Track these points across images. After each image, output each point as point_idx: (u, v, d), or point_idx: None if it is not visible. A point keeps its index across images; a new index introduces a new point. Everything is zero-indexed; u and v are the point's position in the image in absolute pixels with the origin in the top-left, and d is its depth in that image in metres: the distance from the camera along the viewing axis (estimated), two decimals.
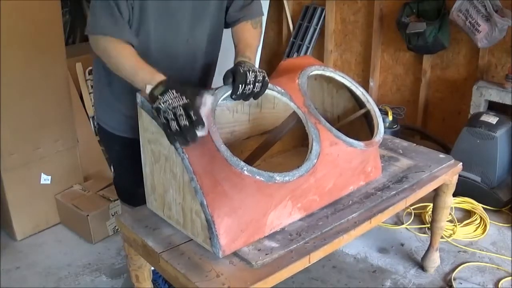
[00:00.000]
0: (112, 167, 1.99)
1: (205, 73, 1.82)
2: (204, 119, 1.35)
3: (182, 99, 1.33)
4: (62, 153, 2.81)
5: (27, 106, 2.58)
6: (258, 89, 1.49)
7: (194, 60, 1.75)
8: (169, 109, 1.32)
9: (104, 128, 1.86)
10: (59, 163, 2.80)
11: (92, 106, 3.38)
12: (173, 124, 1.31)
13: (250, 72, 1.47)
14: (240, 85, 1.45)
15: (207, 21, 1.70)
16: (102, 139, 1.89)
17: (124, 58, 1.51)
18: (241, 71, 1.46)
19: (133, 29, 1.60)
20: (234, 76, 1.46)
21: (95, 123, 1.91)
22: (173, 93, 1.34)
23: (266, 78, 1.52)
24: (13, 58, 2.47)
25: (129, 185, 1.91)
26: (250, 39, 1.72)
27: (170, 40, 1.67)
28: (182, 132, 1.30)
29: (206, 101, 1.41)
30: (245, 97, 1.49)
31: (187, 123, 1.30)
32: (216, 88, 1.51)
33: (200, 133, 1.33)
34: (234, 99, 1.50)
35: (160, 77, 1.42)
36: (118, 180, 2.07)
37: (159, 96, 1.36)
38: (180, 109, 1.31)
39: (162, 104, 1.34)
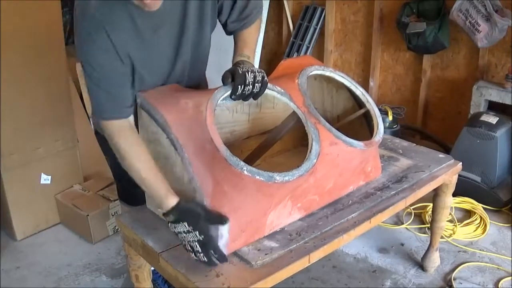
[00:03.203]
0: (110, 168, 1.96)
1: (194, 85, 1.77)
2: (224, 250, 1.37)
3: (196, 235, 1.33)
4: (62, 153, 2.81)
5: (27, 106, 2.58)
6: (258, 90, 1.49)
7: (182, 79, 1.68)
8: (186, 242, 1.36)
9: (101, 134, 1.81)
10: (59, 163, 2.80)
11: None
12: (192, 256, 1.37)
13: (249, 72, 1.46)
14: (239, 86, 1.44)
15: (186, 59, 1.61)
16: (99, 143, 1.85)
17: (138, 168, 1.44)
18: (240, 72, 1.45)
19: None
20: (233, 77, 1.46)
21: (93, 128, 1.87)
22: (185, 226, 1.34)
23: (266, 78, 1.51)
24: (13, 58, 2.47)
25: (128, 186, 1.90)
26: (248, 36, 1.67)
27: (151, 83, 1.57)
28: (208, 262, 1.35)
29: (223, 233, 1.38)
30: (244, 97, 1.49)
31: (206, 259, 1.34)
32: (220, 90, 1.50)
33: (222, 264, 1.37)
34: (234, 100, 1.49)
35: (171, 202, 1.38)
36: (117, 180, 2.06)
37: (171, 224, 1.38)
38: (196, 246, 1.34)
39: (177, 234, 1.38)
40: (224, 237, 1.38)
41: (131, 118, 1.49)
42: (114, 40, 1.38)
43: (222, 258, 1.35)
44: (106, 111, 1.45)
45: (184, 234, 1.35)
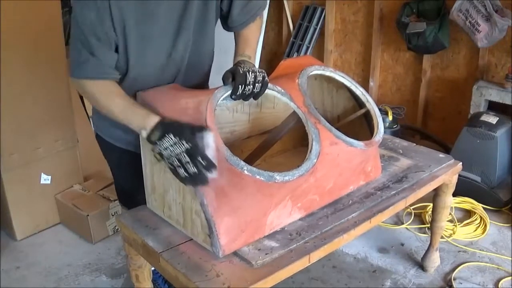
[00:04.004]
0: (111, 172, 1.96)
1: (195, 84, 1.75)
2: (213, 160, 1.31)
3: (183, 144, 1.29)
4: (62, 153, 2.81)
5: (27, 106, 2.58)
6: (258, 90, 1.49)
7: (178, 74, 1.66)
8: (173, 156, 1.30)
9: (101, 137, 1.81)
10: (59, 163, 2.80)
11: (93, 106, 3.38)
12: (181, 171, 1.29)
13: (250, 72, 1.46)
14: (240, 86, 1.44)
15: (187, 35, 1.58)
16: (100, 146, 1.84)
17: (115, 106, 1.45)
18: (241, 71, 1.45)
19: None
20: (234, 77, 1.46)
21: (94, 131, 1.88)
22: (171, 138, 1.30)
23: (266, 78, 1.51)
24: (13, 58, 2.47)
25: (128, 191, 1.90)
26: (250, 35, 1.67)
27: (151, 59, 1.57)
28: (193, 178, 1.29)
29: (209, 142, 1.33)
30: (245, 97, 1.49)
31: (196, 170, 1.28)
32: (218, 90, 1.51)
33: (211, 175, 1.30)
34: (234, 99, 1.49)
35: (152, 120, 1.37)
36: (117, 185, 2.06)
37: (157, 142, 1.32)
38: (184, 156, 1.28)
39: (163, 151, 1.31)
40: (210, 146, 1.32)
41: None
42: (112, 3, 1.39)
43: (211, 164, 1.28)
44: (88, 69, 1.43)
45: (171, 148, 1.29)
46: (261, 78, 1.49)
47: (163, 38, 1.54)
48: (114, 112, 1.46)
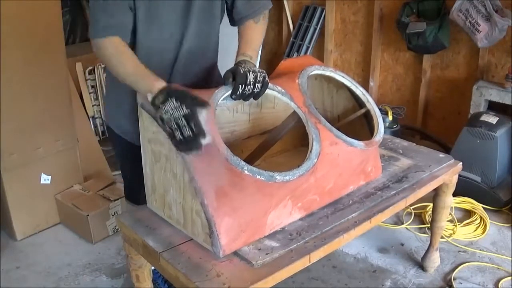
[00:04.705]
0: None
1: (198, 76, 1.78)
2: (206, 128, 1.34)
3: (183, 109, 1.33)
4: (62, 153, 2.81)
5: (27, 106, 2.58)
6: (258, 90, 1.49)
7: (177, 60, 1.71)
8: (172, 119, 1.33)
9: (111, 128, 1.88)
10: (59, 163, 2.80)
11: (93, 106, 3.39)
12: (177, 134, 1.32)
13: (251, 72, 1.47)
14: (240, 86, 1.45)
15: (194, 19, 1.65)
16: (109, 138, 1.92)
17: (126, 66, 1.50)
18: (241, 71, 1.46)
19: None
20: (234, 77, 1.46)
21: (105, 122, 1.93)
22: (173, 103, 1.34)
23: (266, 79, 1.52)
24: (13, 58, 2.47)
25: (133, 185, 1.93)
26: (252, 37, 1.69)
27: (157, 41, 1.64)
28: (187, 141, 1.32)
29: (204, 116, 1.36)
30: (245, 97, 1.49)
31: (191, 133, 1.31)
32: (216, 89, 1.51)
33: (204, 141, 1.33)
34: (234, 99, 1.50)
35: (160, 84, 1.41)
36: (124, 178, 2.09)
37: (160, 105, 1.36)
38: (182, 120, 1.32)
39: (164, 114, 1.34)
40: (203, 118, 1.35)
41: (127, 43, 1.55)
42: None
43: (200, 132, 1.32)
44: (106, 27, 1.50)
45: (171, 111, 1.33)
46: (261, 78, 1.49)
47: (169, 19, 1.60)
48: (124, 74, 1.51)
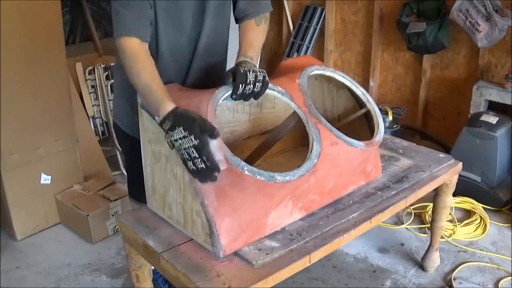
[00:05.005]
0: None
1: (212, 72, 1.82)
2: (219, 157, 1.32)
3: (192, 140, 1.30)
4: (62, 153, 2.81)
5: (27, 106, 2.58)
6: (258, 89, 1.50)
7: (194, 56, 1.74)
8: (182, 149, 1.32)
9: (117, 125, 1.90)
10: (59, 163, 2.80)
11: (93, 106, 3.38)
12: (190, 164, 1.32)
13: (251, 72, 1.47)
14: (240, 85, 1.45)
15: (207, 20, 1.69)
16: (116, 135, 1.95)
17: (140, 76, 1.49)
18: (242, 71, 1.47)
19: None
20: (235, 76, 1.47)
21: (112, 119, 1.96)
22: (181, 131, 1.32)
23: (267, 78, 1.52)
24: (13, 58, 2.47)
25: (138, 181, 1.94)
26: (253, 38, 1.71)
27: (176, 38, 1.67)
28: (201, 172, 1.31)
29: (213, 149, 1.32)
30: (245, 97, 1.49)
31: (204, 166, 1.30)
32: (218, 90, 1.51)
33: (218, 173, 1.32)
34: (235, 99, 1.50)
35: (167, 108, 1.39)
36: (128, 176, 2.10)
37: (168, 132, 1.35)
38: (193, 152, 1.30)
39: (174, 142, 1.34)
40: (215, 150, 1.32)
41: (147, 45, 1.55)
42: None
43: (215, 167, 1.30)
44: (129, 27, 1.51)
45: (180, 141, 1.32)
46: (261, 78, 1.50)
47: (187, 17, 1.64)
48: (138, 82, 1.49)
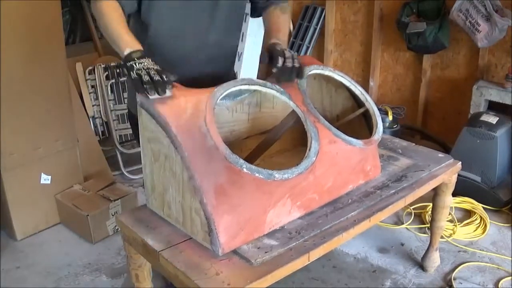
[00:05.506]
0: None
1: (221, 64, 1.86)
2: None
3: (156, 66, 1.45)
4: (62, 153, 2.81)
5: (27, 106, 2.59)
6: (298, 65, 1.59)
7: (203, 48, 1.78)
8: (143, 68, 1.43)
9: (133, 113, 1.90)
10: (59, 163, 2.80)
11: (93, 106, 3.39)
12: (146, 77, 1.41)
13: (287, 51, 1.58)
14: (280, 57, 1.54)
15: (219, 15, 1.73)
16: (130, 123, 2.02)
17: (113, 20, 1.56)
18: (279, 48, 1.57)
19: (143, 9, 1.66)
20: (271, 54, 1.57)
21: (127, 108, 2.05)
22: (149, 60, 1.45)
23: (300, 62, 1.62)
24: (13, 58, 2.47)
25: None
26: (281, 24, 1.79)
27: (180, 25, 1.70)
28: (154, 83, 1.40)
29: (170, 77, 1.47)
30: (288, 73, 1.56)
31: (159, 78, 1.41)
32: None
33: (169, 90, 1.44)
34: (280, 77, 1.59)
35: (141, 47, 1.50)
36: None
37: (135, 58, 1.45)
38: (153, 70, 1.43)
39: (137, 64, 1.43)
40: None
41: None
42: None
43: (170, 81, 1.43)
44: None
45: (146, 63, 1.44)
46: (295, 57, 1.60)
47: (198, 10, 1.69)
48: (111, 26, 1.55)
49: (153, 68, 1.43)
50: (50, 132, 2.73)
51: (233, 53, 1.91)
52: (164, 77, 1.42)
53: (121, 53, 1.50)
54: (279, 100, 1.67)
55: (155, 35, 1.69)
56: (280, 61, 1.54)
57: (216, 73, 1.79)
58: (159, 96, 1.42)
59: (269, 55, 1.57)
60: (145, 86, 1.40)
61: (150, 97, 1.43)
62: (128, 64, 1.45)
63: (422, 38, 3.16)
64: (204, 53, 1.76)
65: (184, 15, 1.68)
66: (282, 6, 1.83)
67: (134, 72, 1.43)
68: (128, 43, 1.50)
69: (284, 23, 1.82)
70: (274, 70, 1.54)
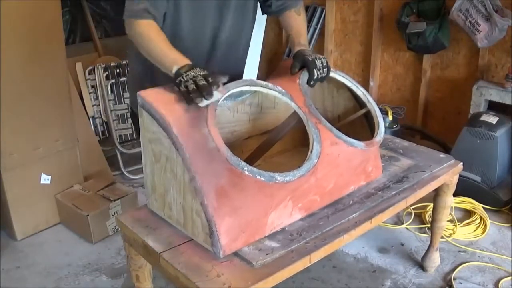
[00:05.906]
0: None
1: (231, 65, 1.86)
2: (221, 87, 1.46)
3: (204, 71, 1.43)
4: (62, 153, 2.81)
5: (27, 106, 2.58)
6: (326, 74, 1.70)
7: (215, 49, 1.80)
8: (190, 78, 1.41)
9: (135, 112, 1.89)
10: (59, 163, 2.80)
11: (93, 106, 3.39)
12: (191, 86, 1.39)
13: (317, 59, 1.67)
14: (315, 71, 1.65)
15: (229, 15, 1.74)
16: (133, 123, 2.02)
17: (156, 41, 1.56)
18: (310, 58, 1.66)
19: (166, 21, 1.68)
20: (306, 64, 1.66)
21: (129, 107, 2.06)
22: (197, 69, 1.43)
23: (329, 63, 1.71)
24: (13, 58, 2.47)
25: None
26: (300, 27, 1.84)
27: (197, 26, 1.72)
28: (199, 89, 1.39)
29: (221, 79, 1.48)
30: (318, 80, 1.68)
31: (205, 82, 1.39)
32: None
33: (216, 94, 1.41)
34: (312, 85, 1.68)
35: (188, 60, 1.49)
36: None
37: (183, 73, 1.43)
38: (200, 77, 1.41)
39: (184, 77, 1.42)
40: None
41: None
42: None
43: (216, 82, 1.42)
44: (141, 10, 1.58)
45: (193, 73, 1.42)
46: (325, 63, 1.69)
47: (209, 11, 1.70)
48: (155, 47, 1.55)
49: (200, 75, 1.41)
50: (50, 132, 2.72)
51: (245, 53, 1.92)
52: (210, 79, 1.40)
53: (169, 72, 1.49)
54: (281, 101, 1.67)
55: (172, 35, 1.68)
56: (316, 74, 1.66)
57: (229, 72, 1.78)
58: (208, 102, 1.40)
59: (300, 63, 1.68)
60: (191, 95, 1.39)
61: (200, 105, 1.41)
62: (177, 81, 1.44)
63: (422, 38, 3.16)
64: (217, 53, 1.78)
65: (197, 15, 1.69)
66: (297, 8, 1.87)
67: (183, 85, 1.42)
68: (174, 61, 1.49)
69: (303, 25, 1.87)
70: (311, 83, 1.66)
